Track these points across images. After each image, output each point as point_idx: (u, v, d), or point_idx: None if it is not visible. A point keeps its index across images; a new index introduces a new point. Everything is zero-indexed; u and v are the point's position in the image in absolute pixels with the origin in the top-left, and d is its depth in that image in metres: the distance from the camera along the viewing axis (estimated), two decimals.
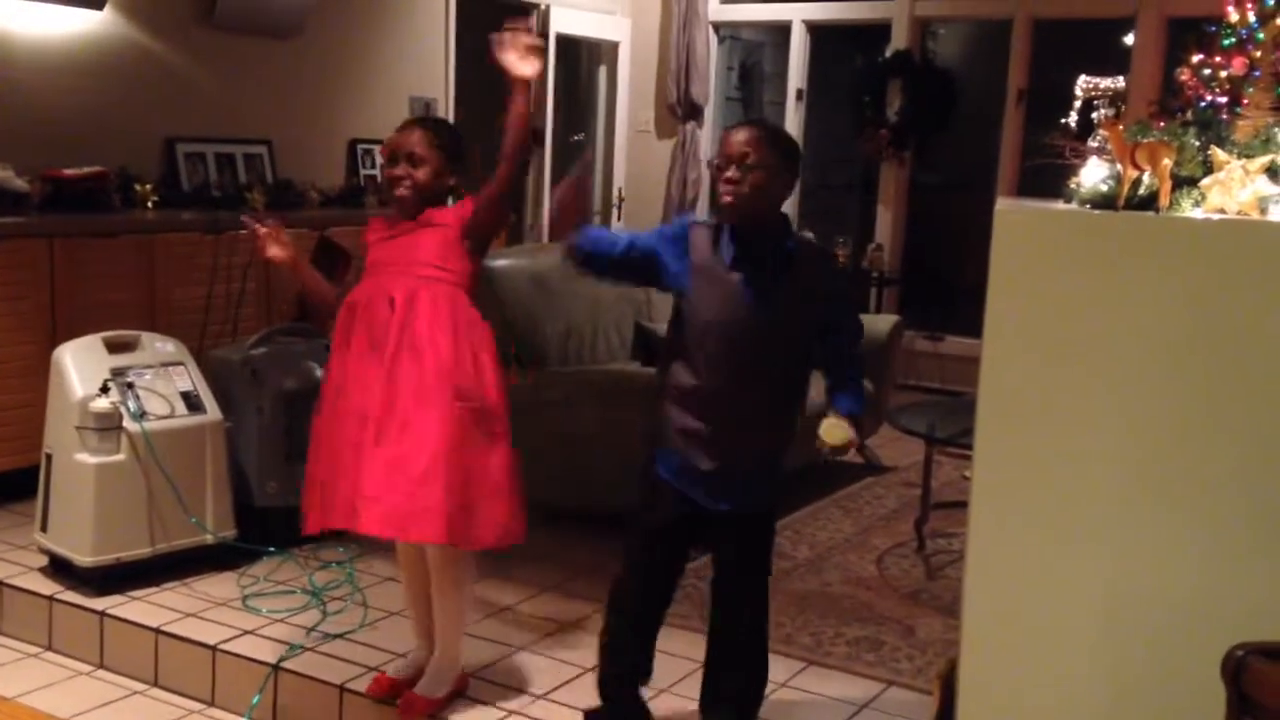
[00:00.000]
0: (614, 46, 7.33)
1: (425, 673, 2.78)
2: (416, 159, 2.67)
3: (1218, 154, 1.97)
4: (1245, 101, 2.21)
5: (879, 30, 6.80)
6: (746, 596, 2.57)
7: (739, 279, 2.40)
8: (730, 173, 2.37)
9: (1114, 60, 6.27)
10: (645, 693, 2.68)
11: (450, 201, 2.75)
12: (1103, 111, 2.26)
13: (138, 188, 4.55)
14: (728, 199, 2.38)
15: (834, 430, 2.47)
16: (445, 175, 2.72)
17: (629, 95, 7.41)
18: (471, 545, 2.67)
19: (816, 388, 2.59)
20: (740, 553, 2.55)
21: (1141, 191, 2.01)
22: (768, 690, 2.67)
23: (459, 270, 2.69)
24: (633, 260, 2.45)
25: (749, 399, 2.43)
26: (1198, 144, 2.04)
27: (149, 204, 4.56)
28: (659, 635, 2.65)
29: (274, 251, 2.85)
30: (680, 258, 2.44)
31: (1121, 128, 2.04)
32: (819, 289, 2.47)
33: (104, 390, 3.32)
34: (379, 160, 2.75)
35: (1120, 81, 6.04)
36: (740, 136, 2.39)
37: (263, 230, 2.87)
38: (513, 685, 2.89)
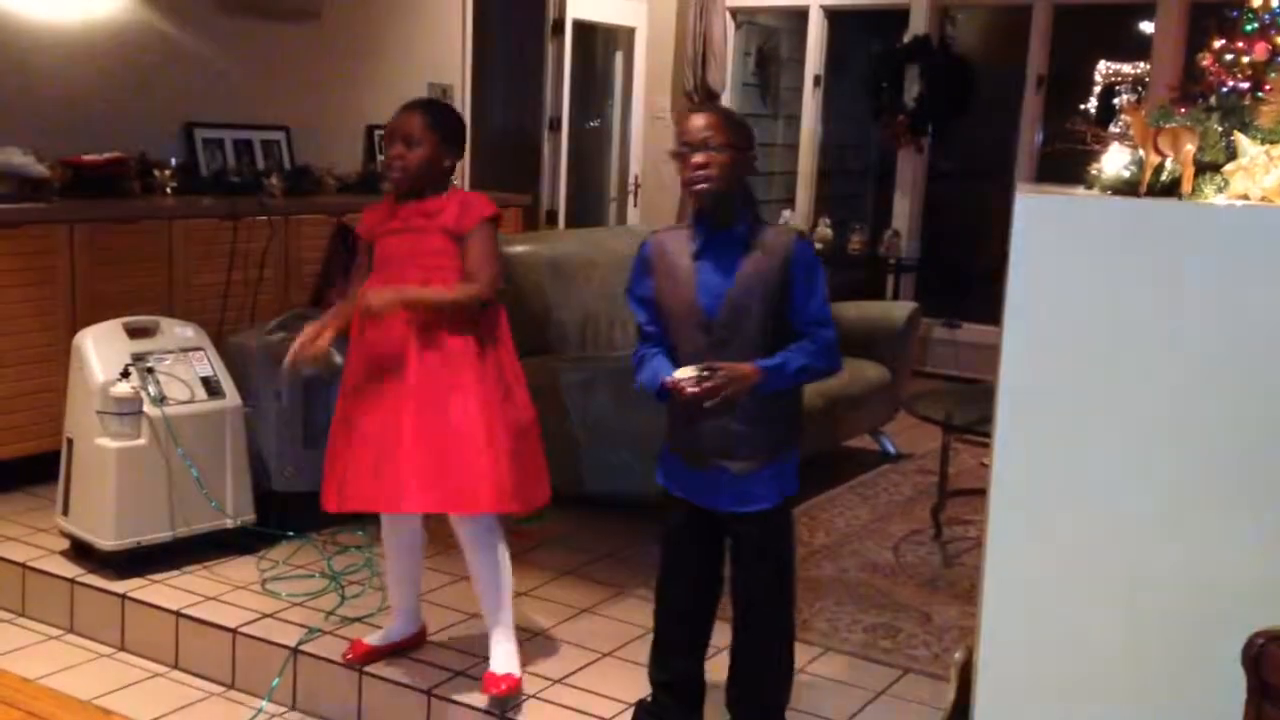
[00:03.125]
0: (630, 32, 7.31)
1: (493, 652, 2.79)
2: (412, 140, 2.70)
3: (1241, 139, 1.95)
4: (1268, 87, 2.19)
5: (897, 15, 6.76)
6: (761, 596, 2.52)
7: (699, 267, 2.41)
8: (697, 157, 2.37)
9: (1134, 46, 6.23)
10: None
11: (449, 184, 2.79)
12: (1125, 97, 2.24)
13: (157, 174, 4.56)
14: (701, 185, 2.38)
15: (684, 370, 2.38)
16: (441, 157, 2.74)
17: (645, 81, 7.39)
18: (517, 507, 2.75)
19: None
20: (751, 552, 2.50)
21: (1164, 178, 2.00)
22: None
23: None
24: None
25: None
26: (1221, 129, 2.02)
27: (168, 190, 4.57)
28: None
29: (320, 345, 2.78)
30: (645, 279, 2.50)
31: (1143, 113, 2.03)
32: (778, 257, 2.39)
33: (124, 375, 3.34)
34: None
35: (1141, 67, 6.00)
36: (699, 121, 2.40)
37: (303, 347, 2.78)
38: (530, 669, 2.90)
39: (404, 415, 2.66)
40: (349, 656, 2.89)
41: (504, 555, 2.81)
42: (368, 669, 2.87)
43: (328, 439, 2.84)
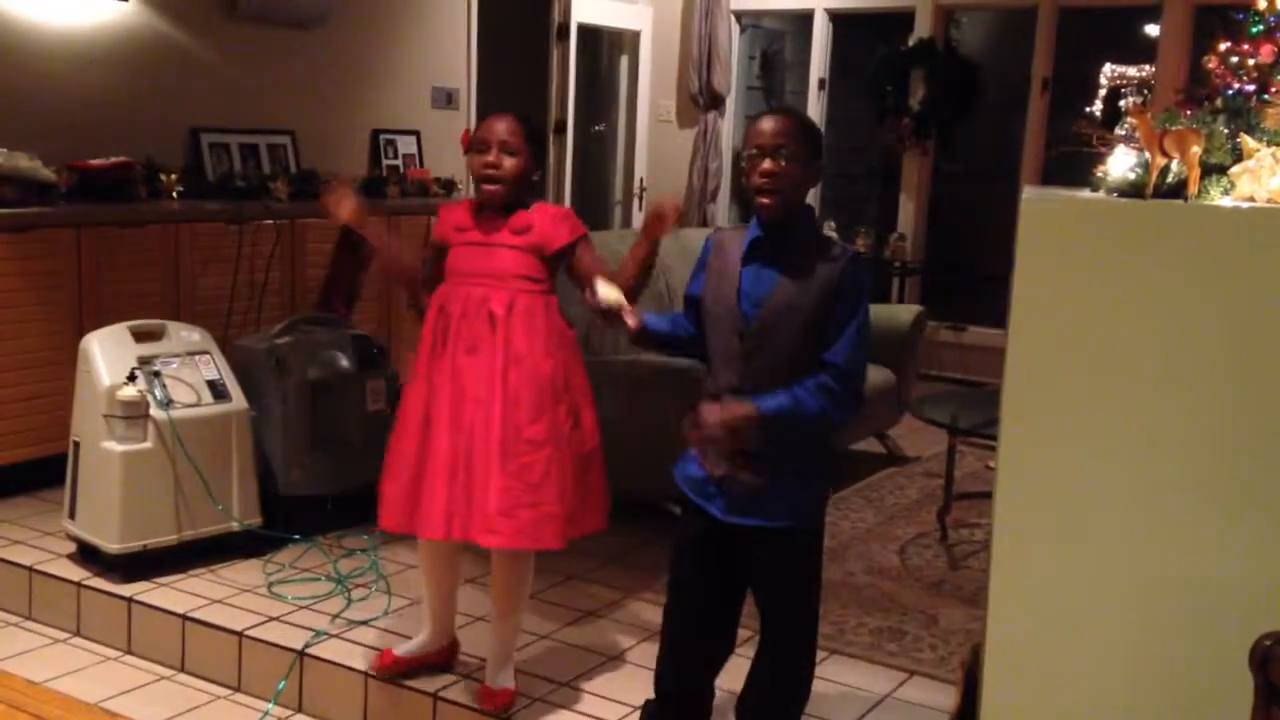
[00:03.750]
0: (635, 35, 7.32)
1: (490, 668, 2.77)
2: (509, 148, 2.62)
3: (1247, 141, 1.95)
4: (1274, 89, 2.19)
5: (902, 18, 6.76)
6: (783, 618, 2.42)
7: (746, 272, 2.34)
8: (767, 164, 2.27)
9: (1139, 49, 6.22)
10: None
11: (533, 198, 2.72)
12: (1130, 99, 2.23)
13: (163, 178, 4.57)
14: (767, 198, 2.28)
15: (610, 289, 2.35)
16: (533, 169, 2.68)
17: (650, 85, 7.40)
18: (574, 534, 2.71)
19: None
20: (765, 570, 2.39)
21: (1170, 180, 1.99)
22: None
23: (548, 280, 2.70)
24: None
25: (756, 394, 2.29)
26: (1227, 131, 2.02)
27: (174, 194, 4.58)
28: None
29: (346, 210, 2.80)
30: (700, 275, 2.44)
31: (1149, 115, 2.03)
32: (831, 285, 2.28)
33: (131, 379, 3.35)
34: (464, 155, 2.74)
35: (1146, 70, 5.99)
36: (774, 126, 2.29)
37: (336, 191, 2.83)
38: (536, 673, 2.91)
39: (488, 443, 2.60)
40: (377, 667, 2.84)
41: (530, 575, 2.80)
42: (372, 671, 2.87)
43: (391, 452, 2.72)
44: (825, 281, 2.28)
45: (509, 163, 2.62)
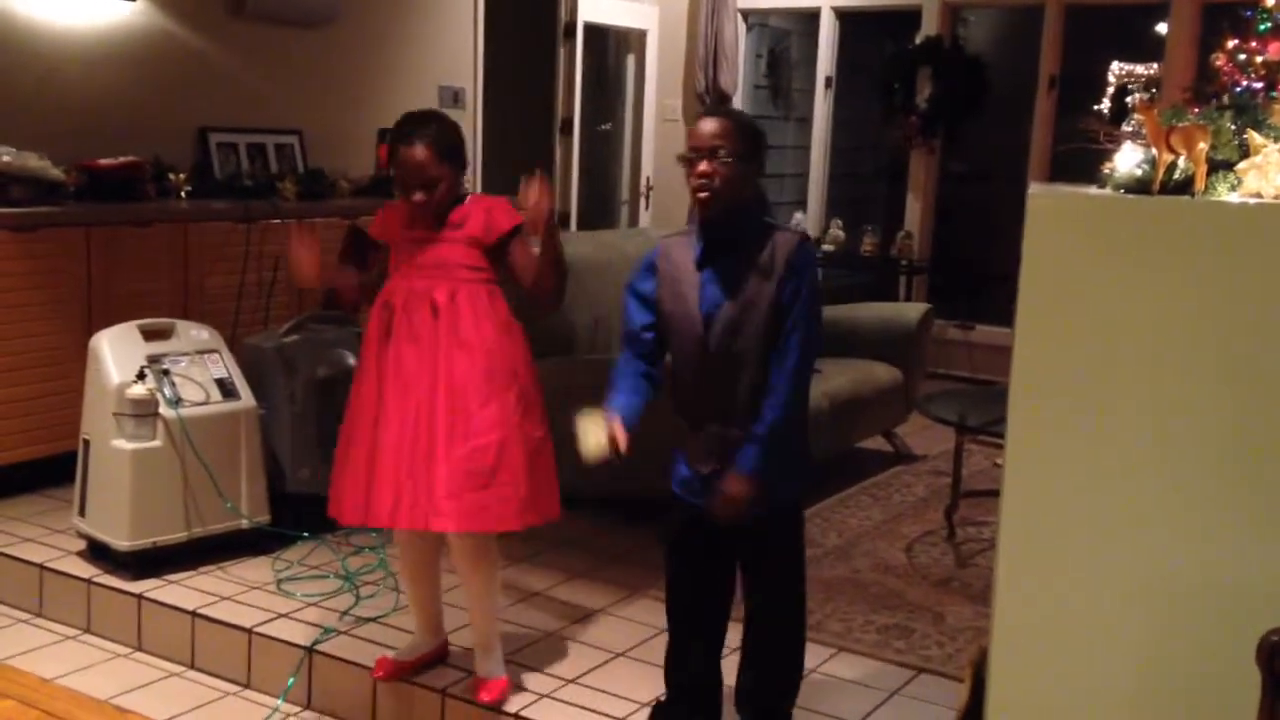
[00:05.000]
0: (642, 35, 7.32)
1: (477, 659, 2.80)
2: (430, 182, 2.65)
3: (1254, 138, 1.95)
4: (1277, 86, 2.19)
5: (909, 16, 6.76)
6: (772, 601, 2.52)
7: (702, 275, 2.39)
8: (703, 166, 2.34)
9: (1146, 46, 6.20)
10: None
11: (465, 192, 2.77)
12: (1138, 95, 2.23)
13: (171, 177, 4.59)
14: (703, 194, 2.35)
15: (590, 430, 2.33)
16: (459, 182, 2.71)
17: (657, 83, 7.40)
18: (534, 520, 2.73)
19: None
20: (756, 555, 2.50)
21: (1177, 176, 1.99)
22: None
23: (490, 269, 2.73)
24: (658, 344, 2.48)
25: (730, 394, 2.39)
26: (1234, 128, 2.02)
27: (182, 193, 4.60)
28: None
29: (299, 253, 2.79)
30: (649, 279, 2.46)
31: (1157, 112, 2.02)
32: (780, 265, 2.35)
33: (140, 377, 3.37)
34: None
35: (1154, 68, 5.98)
36: (710, 128, 2.36)
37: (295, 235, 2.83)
38: (542, 670, 2.91)
39: (433, 430, 2.63)
40: (377, 675, 2.85)
41: (497, 568, 2.82)
42: None
43: (338, 444, 2.79)
44: (777, 272, 2.36)
45: (433, 196, 2.66)
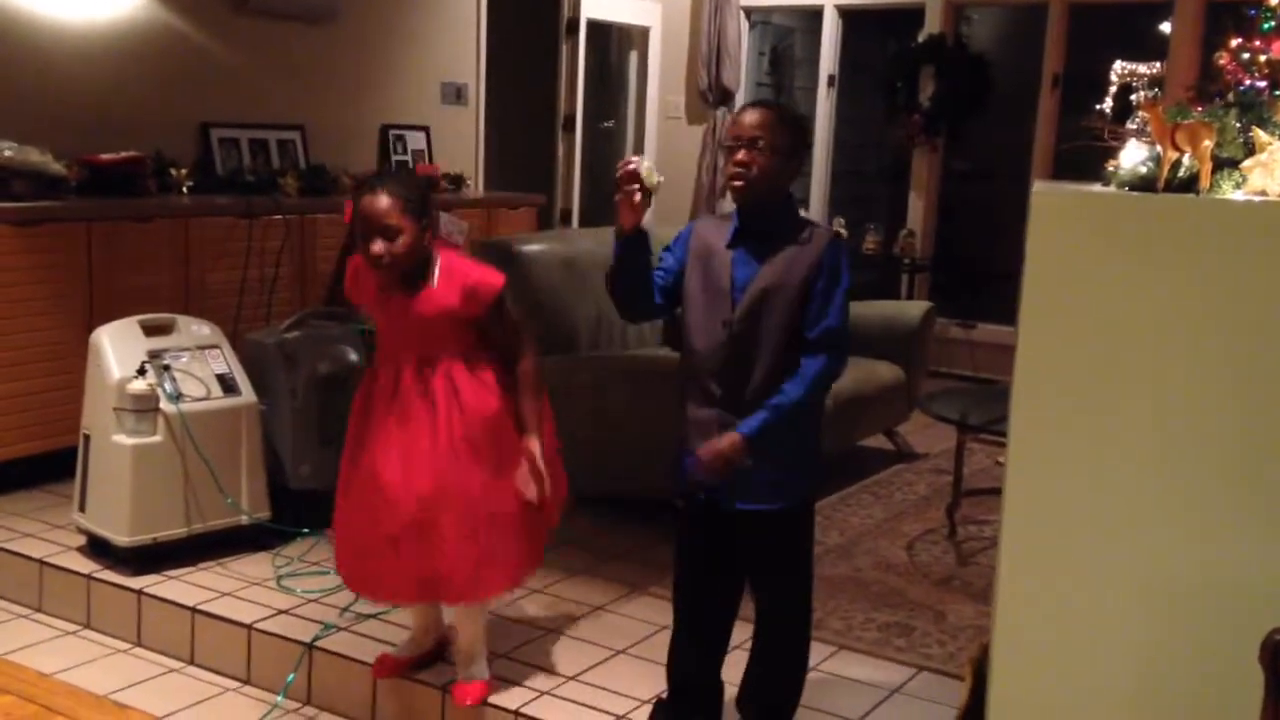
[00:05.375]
0: (644, 32, 7.31)
1: (459, 663, 2.78)
2: (390, 230, 2.51)
3: (1259, 135, 1.94)
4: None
5: (912, 15, 6.75)
6: (780, 600, 2.52)
7: (731, 255, 2.41)
8: (741, 155, 2.35)
9: (1150, 45, 6.19)
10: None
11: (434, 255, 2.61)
12: (1143, 93, 2.23)
13: (173, 172, 4.58)
14: (738, 182, 2.36)
15: (651, 170, 2.31)
16: (423, 236, 2.57)
17: (659, 81, 7.39)
18: (519, 585, 2.79)
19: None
20: (768, 553, 2.49)
21: (1181, 174, 1.99)
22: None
23: (472, 339, 2.65)
24: (671, 289, 2.48)
25: (742, 377, 2.38)
26: (1239, 125, 2.01)
27: (184, 189, 4.59)
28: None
29: None
30: (680, 249, 2.48)
31: (1161, 109, 2.02)
32: (811, 257, 2.37)
33: (141, 372, 3.36)
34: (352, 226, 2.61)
35: (1156, 67, 5.97)
36: (752, 118, 2.37)
37: None
38: (544, 667, 2.91)
39: (432, 503, 2.58)
40: (377, 673, 2.84)
41: (487, 606, 2.82)
42: None
43: (339, 520, 2.75)
44: (810, 262, 2.37)
45: (397, 245, 2.52)
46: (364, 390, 2.72)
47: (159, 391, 3.36)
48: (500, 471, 2.63)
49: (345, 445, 2.75)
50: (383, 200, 2.51)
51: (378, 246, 2.51)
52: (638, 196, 2.31)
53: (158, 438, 3.34)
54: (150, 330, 3.53)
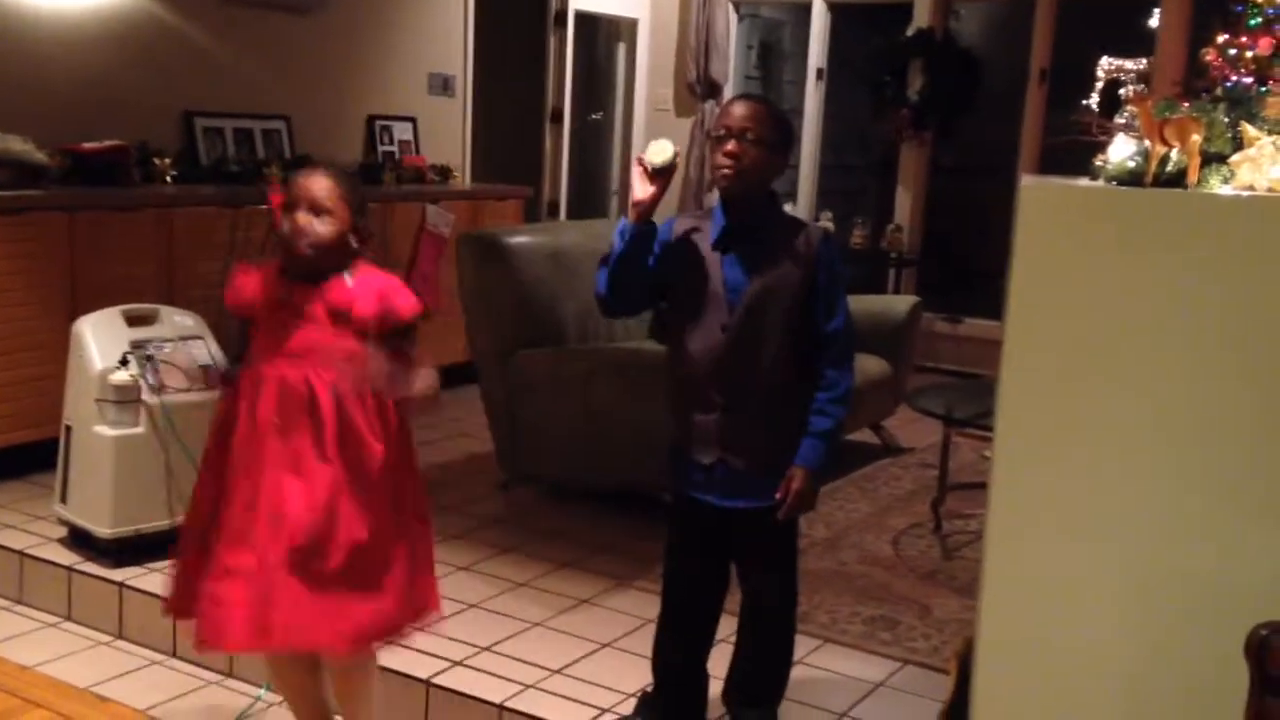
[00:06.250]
0: (633, 24, 7.29)
1: None
2: (323, 209, 2.29)
3: (1248, 130, 1.94)
4: (1273, 80, 2.18)
5: (900, 9, 6.74)
6: (769, 592, 2.52)
7: (720, 256, 2.38)
8: (730, 146, 2.33)
9: (1138, 41, 6.20)
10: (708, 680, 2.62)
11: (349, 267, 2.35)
12: (1131, 88, 2.22)
13: (156, 162, 4.55)
14: (726, 172, 2.34)
15: (659, 150, 2.28)
16: (348, 239, 2.32)
17: (648, 73, 7.37)
18: (407, 634, 2.41)
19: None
20: (755, 550, 2.49)
21: (1170, 168, 1.98)
22: None
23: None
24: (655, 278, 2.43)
25: (742, 380, 2.37)
26: (1227, 120, 2.01)
27: (167, 178, 4.56)
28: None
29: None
30: (659, 251, 2.41)
31: (1150, 104, 2.01)
32: (804, 254, 2.36)
33: (123, 363, 3.33)
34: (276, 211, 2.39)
35: (1144, 62, 5.99)
36: (742, 110, 2.35)
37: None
38: (529, 660, 2.90)
39: (307, 539, 2.22)
40: None
41: (374, 673, 2.49)
42: None
43: (184, 543, 2.41)
44: (805, 260, 2.37)
45: (321, 227, 2.29)
46: (239, 406, 2.34)
47: (141, 382, 3.34)
48: (391, 507, 2.33)
49: (203, 466, 2.43)
50: (321, 179, 2.33)
51: (303, 218, 2.28)
52: (639, 180, 2.29)
53: (140, 429, 3.32)
54: (133, 320, 3.50)
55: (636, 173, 2.32)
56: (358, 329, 2.29)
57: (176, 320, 3.60)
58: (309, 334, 2.30)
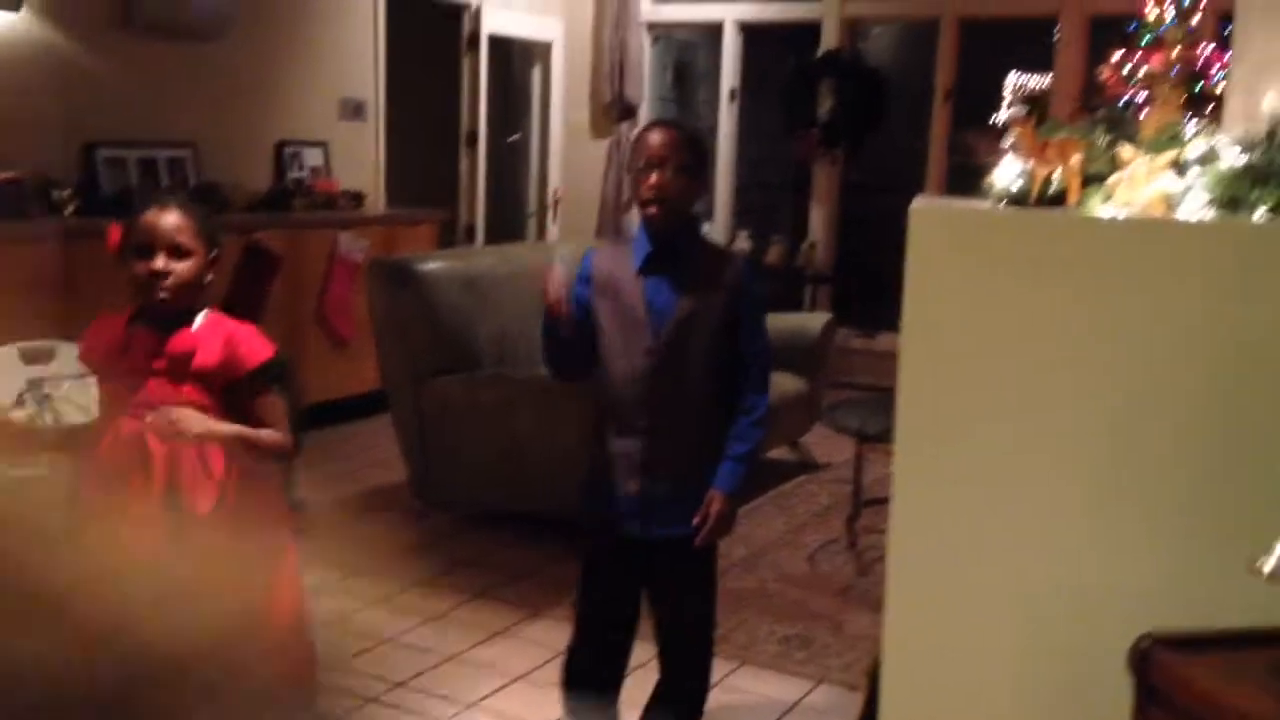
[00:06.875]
0: (547, 46, 7.30)
1: None
2: (180, 249, 2.14)
3: (1124, 151, 1.99)
4: (1154, 99, 2.25)
5: (811, 30, 6.84)
6: (686, 618, 2.50)
7: (644, 283, 2.38)
8: (654, 178, 2.32)
9: (1044, 59, 6.37)
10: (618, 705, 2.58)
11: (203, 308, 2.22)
12: (1014, 109, 2.28)
13: (56, 194, 4.44)
14: (653, 206, 2.33)
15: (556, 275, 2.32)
16: (206, 274, 2.19)
17: (563, 96, 7.38)
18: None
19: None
20: (673, 577, 2.47)
21: (1053, 189, 2.03)
22: None
23: (224, 414, 2.18)
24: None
25: (666, 404, 2.37)
26: (1106, 141, 2.06)
27: (67, 211, 4.45)
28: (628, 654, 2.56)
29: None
30: (584, 286, 2.41)
31: (1033, 125, 2.06)
32: (727, 280, 2.38)
33: (19, 402, 3.24)
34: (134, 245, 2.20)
35: (1048, 80, 6.14)
36: (659, 139, 2.35)
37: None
38: (445, 694, 2.86)
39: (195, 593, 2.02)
40: None
41: None
42: None
43: None
44: (729, 284, 2.39)
45: (181, 267, 2.14)
46: (111, 457, 2.18)
47: (38, 421, 3.24)
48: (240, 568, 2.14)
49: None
50: (174, 215, 2.15)
51: (160, 262, 2.12)
52: (552, 283, 2.32)
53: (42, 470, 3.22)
54: (30, 357, 3.40)
55: (549, 276, 2.33)
56: (197, 378, 2.15)
57: (76, 356, 3.50)
58: (151, 386, 2.15)
